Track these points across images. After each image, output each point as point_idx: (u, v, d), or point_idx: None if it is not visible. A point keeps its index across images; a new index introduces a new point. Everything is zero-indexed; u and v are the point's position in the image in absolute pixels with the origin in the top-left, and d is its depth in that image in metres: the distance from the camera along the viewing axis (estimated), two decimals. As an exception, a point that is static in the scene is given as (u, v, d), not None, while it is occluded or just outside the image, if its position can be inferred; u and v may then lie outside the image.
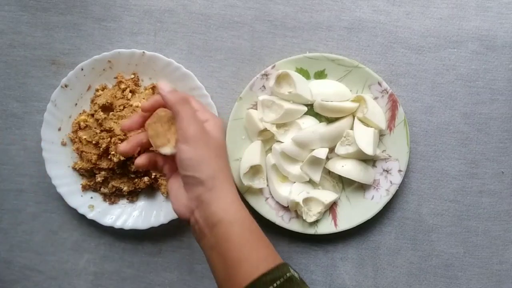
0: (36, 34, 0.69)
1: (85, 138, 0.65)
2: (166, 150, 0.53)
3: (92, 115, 0.66)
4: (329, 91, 0.65)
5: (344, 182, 0.67)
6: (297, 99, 0.64)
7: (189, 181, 0.52)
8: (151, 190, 0.68)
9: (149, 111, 0.55)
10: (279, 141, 0.66)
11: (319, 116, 0.66)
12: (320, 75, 0.66)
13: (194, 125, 0.52)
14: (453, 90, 0.67)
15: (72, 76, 0.65)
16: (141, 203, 0.68)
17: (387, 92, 0.65)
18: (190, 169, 0.51)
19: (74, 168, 0.67)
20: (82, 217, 0.67)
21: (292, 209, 0.66)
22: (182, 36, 0.68)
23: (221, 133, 0.56)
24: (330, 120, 0.66)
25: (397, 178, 0.65)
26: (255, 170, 0.65)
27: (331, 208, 0.66)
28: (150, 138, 0.54)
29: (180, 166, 0.52)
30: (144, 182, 0.66)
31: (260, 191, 0.66)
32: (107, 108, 0.66)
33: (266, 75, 0.65)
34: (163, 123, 0.54)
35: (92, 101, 0.67)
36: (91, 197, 0.68)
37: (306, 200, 0.64)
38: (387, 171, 0.66)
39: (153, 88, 0.67)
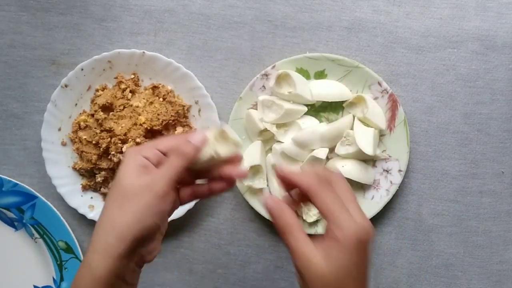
0: (36, 34, 0.69)
1: (85, 138, 0.65)
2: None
3: (92, 115, 0.66)
4: (329, 91, 0.65)
5: (344, 182, 0.67)
6: (297, 99, 0.64)
7: None
8: (151, 190, 0.68)
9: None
10: (279, 141, 0.66)
11: (319, 116, 0.66)
12: (320, 75, 0.66)
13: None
14: (453, 90, 0.67)
15: (72, 76, 0.65)
16: (141, 203, 0.68)
17: (387, 92, 0.65)
18: None
19: (74, 168, 0.67)
20: (82, 217, 0.67)
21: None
22: (182, 36, 0.68)
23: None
24: (330, 120, 0.66)
25: (397, 178, 0.65)
26: (255, 170, 0.65)
27: (331, 208, 0.66)
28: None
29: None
30: (144, 182, 0.66)
31: (260, 191, 0.66)
32: (107, 108, 0.66)
33: (266, 75, 0.65)
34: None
35: (92, 101, 0.67)
36: (91, 197, 0.68)
37: (306, 200, 0.64)
38: (387, 171, 0.66)
39: (153, 88, 0.67)
